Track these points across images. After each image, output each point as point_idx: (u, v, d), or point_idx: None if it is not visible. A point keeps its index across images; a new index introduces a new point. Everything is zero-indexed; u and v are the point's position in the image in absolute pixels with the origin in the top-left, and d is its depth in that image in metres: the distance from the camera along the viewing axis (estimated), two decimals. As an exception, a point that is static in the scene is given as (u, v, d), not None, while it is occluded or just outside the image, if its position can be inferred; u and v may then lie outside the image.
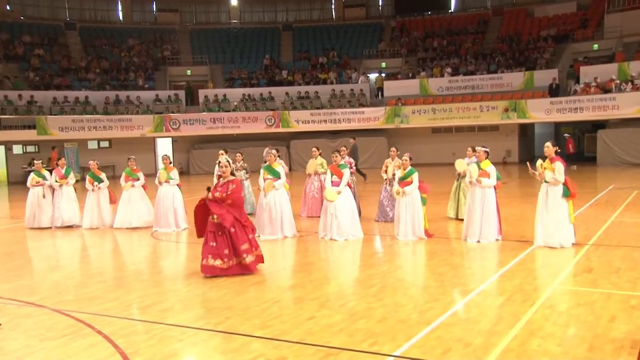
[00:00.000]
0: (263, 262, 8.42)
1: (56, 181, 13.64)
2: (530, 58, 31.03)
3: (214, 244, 7.99)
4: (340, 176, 10.77)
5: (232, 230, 8.01)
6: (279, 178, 11.00)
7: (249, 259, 8.14)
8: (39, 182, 13.71)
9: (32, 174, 13.94)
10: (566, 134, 26.75)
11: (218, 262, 7.98)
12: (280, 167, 11.23)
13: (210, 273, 8.02)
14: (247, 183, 14.15)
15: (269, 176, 10.99)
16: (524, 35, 33.20)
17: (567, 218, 9.13)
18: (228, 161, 8.26)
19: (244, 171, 13.76)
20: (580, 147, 30.87)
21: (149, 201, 13.20)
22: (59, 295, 7.44)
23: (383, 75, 34.02)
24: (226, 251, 8.00)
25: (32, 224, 13.60)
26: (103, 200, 13.36)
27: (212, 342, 5.56)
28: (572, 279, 7.63)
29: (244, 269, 8.14)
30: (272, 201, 10.91)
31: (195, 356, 5.39)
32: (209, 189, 8.15)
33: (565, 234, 9.15)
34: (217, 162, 8.22)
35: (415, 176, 10.32)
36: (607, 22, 30.48)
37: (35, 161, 14.39)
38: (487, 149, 10.24)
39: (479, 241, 9.83)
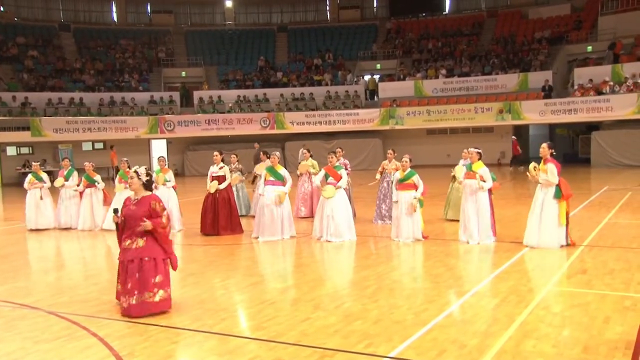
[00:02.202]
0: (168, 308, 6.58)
1: (62, 185, 13.59)
2: (525, 60, 31.15)
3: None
4: (336, 177, 10.78)
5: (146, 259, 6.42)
6: (282, 180, 10.96)
7: (160, 294, 6.45)
8: (35, 184, 13.65)
9: (29, 175, 13.88)
10: (513, 136, 27.20)
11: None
12: (284, 169, 11.21)
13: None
14: (241, 185, 14.18)
15: (271, 178, 10.96)
16: (518, 36, 33.34)
17: (556, 220, 9.13)
18: (136, 172, 6.61)
19: (239, 172, 13.76)
20: (575, 148, 31.03)
21: None
22: (53, 297, 7.41)
23: (376, 77, 34.12)
24: (129, 285, 6.37)
25: (32, 226, 13.56)
26: (96, 202, 13.30)
27: (208, 344, 5.56)
28: (567, 280, 7.66)
29: (151, 308, 6.38)
30: (273, 203, 10.88)
31: (191, 358, 5.38)
32: (115, 211, 6.76)
33: (552, 235, 9.15)
34: (147, 169, 6.67)
35: (416, 178, 10.28)
36: (601, 24, 30.64)
37: (33, 163, 14.32)
38: (479, 150, 10.23)
39: (469, 242, 9.85)
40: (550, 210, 9.09)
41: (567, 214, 9.26)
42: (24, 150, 29.47)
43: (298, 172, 13.95)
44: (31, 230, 13.42)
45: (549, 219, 9.11)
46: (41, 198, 13.54)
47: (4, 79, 30.86)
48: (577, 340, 5.34)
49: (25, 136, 28.05)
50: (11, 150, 29.30)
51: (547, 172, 9.06)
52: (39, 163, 14.30)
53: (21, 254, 11.33)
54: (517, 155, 26.74)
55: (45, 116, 28.95)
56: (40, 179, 13.73)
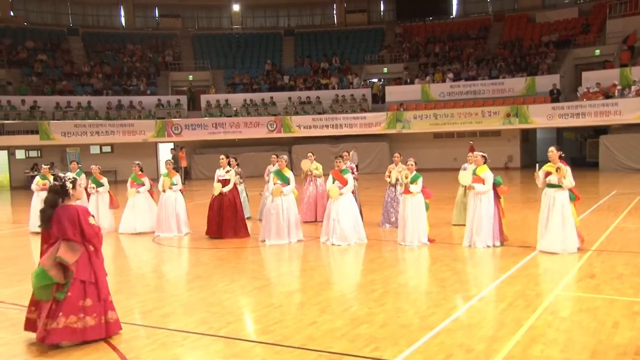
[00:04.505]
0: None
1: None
2: (532, 63, 31.06)
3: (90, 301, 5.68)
4: (342, 181, 10.77)
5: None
6: (289, 184, 11.00)
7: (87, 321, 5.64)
8: (45, 186, 13.69)
9: (37, 177, 13.92)
10: (471, 142, 27.04)
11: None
12: (291, 172, 11.23)
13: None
14: (241, 187, 14.21)
15: (279, 181, 11.00)
16: (525, 40, 33.24)
17: (573, 224, 9.13)
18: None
19: (238, 176, 13.79)
20: (583, 152, 30.89)
21: (155, 207, 13.12)
22: (60, 300, 7.42)
23: (380, 81, 34.15)
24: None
25: (35, 228, 13.57)
26: (102, 205, 13.33)
27: (214, 347, 5.55)
28: (575, 284, 7.61)
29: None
30: (280, 206, 10.91)
31: (197, 361, 5.38)
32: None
33: (573, 239, 9.14)
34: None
35: (420, 181, 10.28)
36: (608, 28, 30.51)
37: (43, 165, 14.34)
38: (484, 154, 10.21)
39: (477, 246, 9.81)
40: (569, 215, 9.06)
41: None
42: (33, 153, 29.62)
43: (302, 175, 13.93)
44: (33, 233, 13.45)
45: (570, 223, 9.07)
46: None
47: (13, 82, 31.07)
48: (585, 345, 5.30)
49: (33, 139, 28.20)
50: (20, 154, 29.47)
51: (567, 175, 9.04)
52: (48, 166, 14.32)
53: (28, 256, 11.37)
54: None
55: (53, 120, 29.10)
56: (49, 181, 13.76)
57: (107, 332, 5.73)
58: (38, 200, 13.65)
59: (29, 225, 13.76)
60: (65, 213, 5.69)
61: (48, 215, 5.73)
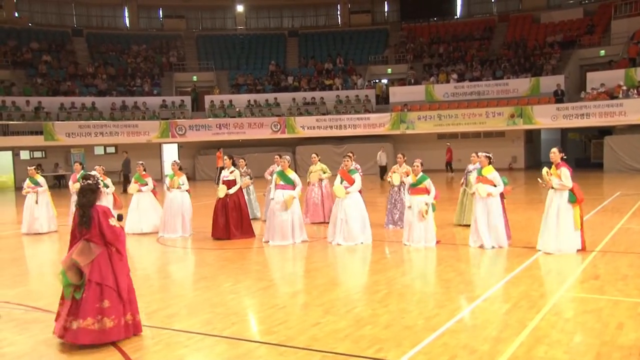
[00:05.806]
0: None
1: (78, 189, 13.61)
2: (536, 64, 31.00)
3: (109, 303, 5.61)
4: (350, 181, 10.76)
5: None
6: (292, 184, 10.98)
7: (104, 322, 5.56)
8: (32, 188, 13.69)
9: (27, 180, 13.93)
10: (448, 143, 27.49)
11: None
12: (294, 173, 11.21)
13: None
14: (252, 188, 14.25)
15: (282, 182, 10.98)
16: (529, 41, 33.18)
17: (572, 224, 9.08)
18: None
19: (247, 177, 13.82)
20: (587, 153, 30.81)
21: (159, 207, 13.16)
22: (65, 301, 7.44)
23: (383, 82, 34.15)
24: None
25: (26, 230, 13.58)
26: (106, 205, 13.32)
27: (218, 348, 5.57)
28: (579, 285, 7.59)
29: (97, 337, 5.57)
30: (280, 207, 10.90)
31: (201, 362, 5.39)
32: (120, 217, 6.01)
33: (570, 240, 9.10)
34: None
35: (428, 183, 10.22)
36: (613, 28, 30.45)
37: (28, 167, 14.30)
38: (489, 155, 10.18)
39: (482, 247, 9.80)
40: (567, 215, 9.04)
41: (582, 218, 9.22)
42: (37, 154, 29.73)
43: (308, 180, 13.92)
44: (25, 234, 13.43)
45: (566, 224, 9.05)
46: (36, 202, 13.57)
47: (17, 83, 31.18)
48: (589, 346, 5.29)
49: (38, 140, 28.31)
50: (24, 154, 29.57)
51: (561, 177, 9.01)
52: (34, 167, 14.19)
53: (32, 257, 11.42)
54: (449, 162, 27.62)
55: (58, 120, 29.21)
56: (37, 183, 13.77)
57: (126, 333, 5.70)
58: (29, 202, 13.63)
59: (22, 227, 13.75)
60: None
61: (89, 215, 5.63)
